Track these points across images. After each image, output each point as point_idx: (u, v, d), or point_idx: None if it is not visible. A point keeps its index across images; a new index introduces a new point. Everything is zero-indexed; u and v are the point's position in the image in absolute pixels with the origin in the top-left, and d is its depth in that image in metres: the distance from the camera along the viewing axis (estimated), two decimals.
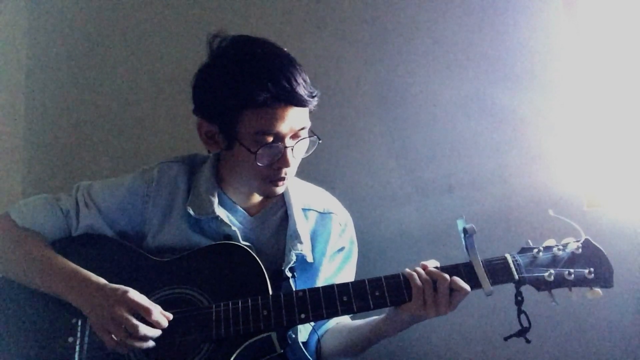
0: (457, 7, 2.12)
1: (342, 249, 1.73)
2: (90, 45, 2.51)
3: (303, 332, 1.62)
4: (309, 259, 1.64)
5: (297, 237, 1.63)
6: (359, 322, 1.64)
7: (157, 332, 1.44)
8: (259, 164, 1.51)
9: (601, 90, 1.94)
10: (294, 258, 1.61)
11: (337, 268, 1.72)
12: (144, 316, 1.43)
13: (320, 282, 1.66)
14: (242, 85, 1.47)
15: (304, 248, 1.63)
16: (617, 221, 1.88)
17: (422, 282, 1.44)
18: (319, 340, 1.67)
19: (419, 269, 1.47)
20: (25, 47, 2.55)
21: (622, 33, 1.93)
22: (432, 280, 1.43)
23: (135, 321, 1.41)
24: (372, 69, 2.19)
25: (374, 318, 1.58)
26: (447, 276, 1.43)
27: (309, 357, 1.60)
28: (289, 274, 1.59)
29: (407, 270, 1.47)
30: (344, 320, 1.70)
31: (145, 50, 2.45)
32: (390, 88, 2.17)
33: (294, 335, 1.57)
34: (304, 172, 1.68)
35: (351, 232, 1.77)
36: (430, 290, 1.43)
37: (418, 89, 2.14)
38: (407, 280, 1.46)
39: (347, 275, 1.74)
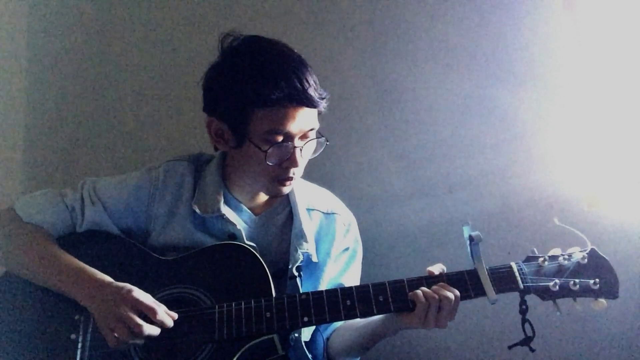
0: (457, 7, 2.11)
1: (346, 249, 1.74)
2: (91, 44, 2.50)
3: (306, 332, 1.63)
4: (314, 258, 1.65)
5: (303, 237, 1.64)
6: (364, 320, 1.63)
7: (158, 331, 1.44)
8: (268, 163, 1.52)
9: (601, 90, 1.94)
10: (300, 257, 1.61)
11: (342, 268, 1.73)
12: (149, 316, 1.43)
13: (325, 283, 1.67)
14: (255, 84, 1.48)
15: (310, 247, 1.64)
16: (617, 222, 1.88)
17: (429, 302, 1.43)
18: (327, 340, 1.68)
19: (425, 289, 1.46)
20: (25, 47, 2.55)
21: (622, 33, 1.93)
22: (439, 298, 1.43)
23: (139, 320, 1.41)
24: (372, 69, 2.19)
25: (375, 318, 1.58)
26: (451, 296, 1.43)
27: (309, 357, 1.60)
28: (296, 273, 1.60)
29: (419, 292, 1.45)
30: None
31: (147, 49, 2.45)
32: (390, 88, 2.17)
33: (297, 335, 1.58)
34: (304, 172, 1.68)
35: (355, 232, 1.78)
36: (433, 307, 1.43)
37: (418, 89, 2.14)
38: (411, 287, 1.47)
39: (353, 275, 1.75)
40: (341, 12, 2.23)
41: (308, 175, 1.75)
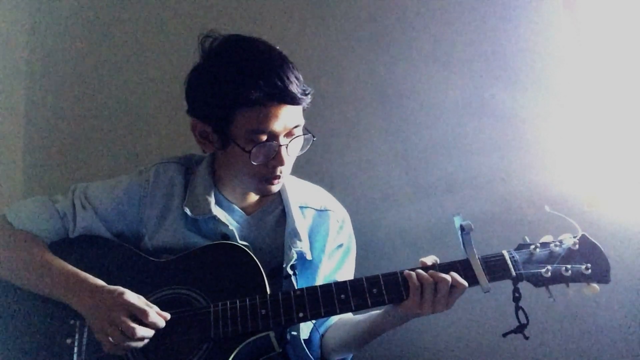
0: (457, 7, 2.12)
1: (340, 245, 1.73)
2: (89, 45, 2.51)
3: (304, 329, 1.62)
4: (308, 256, 1.64)
5: (296, 235, 1.63)
6: (359, 316, 1.64)
7: (152, 333, 1.44)
8: (253, 162, 1.51)
9: (601, 90, 1.94)
10: (294, 256, 1.61)
11: (337, 265, 1.72)
12: (141, 318, 1.42)
13: (320, 280, 1.66)
14: (235, 84, 1.48)
15: (303, 245, 1.63)
16: (617, 221, 1.88)
17: (421, 282, 1.43)
18: (322, 336, 1.68)
19: (420, 271, 1.46)
20: (25, 47, 2.55)
21: (622, 33, 1.93)
22: (434, 281, 1.43)
23: (131, 323, 1.41)
24: (372, 69, 2.19)
25: (373, 313, 1.58)
26: (448, 278, 1.43)
27: (309, 354, 1.60)
28: (290, 272, 1.59)
29: (407, 270, 1.47)
30: (346, 315, 1.69)
31: (143, 50, 2.45)
32: (390, 88, 2.17)
33: (294, 333, 1.58)
34: (303, 172, 1.69)
35: (349, 229, 1.77)
36: (430, 290, 1.43)
37: (418, 89, 2.14)
38: (404, 278, 1.46)
39: (347, 271, 1.75)
40: (341, 12, 2.23)
41: (307, 175, 1.75)
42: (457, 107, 2.10)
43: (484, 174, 2.06)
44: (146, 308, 1.43)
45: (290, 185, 1.71)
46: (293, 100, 1.49)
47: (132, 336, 1.40)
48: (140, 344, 1.43)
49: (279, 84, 1.47)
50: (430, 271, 1.45)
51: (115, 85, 2.47)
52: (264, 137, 1.50)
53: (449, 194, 2.09)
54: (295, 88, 1.49)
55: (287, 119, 1.51)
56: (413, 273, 1.46)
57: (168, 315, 1.47)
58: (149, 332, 1.43)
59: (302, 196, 1.72)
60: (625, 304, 1.83)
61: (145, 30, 2.46)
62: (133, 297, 1.44)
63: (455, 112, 2.10)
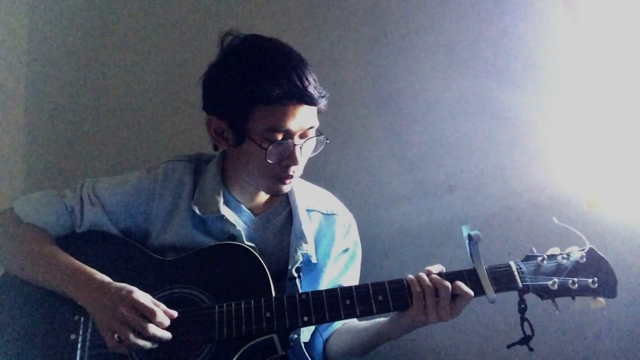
0: (457, 7, 2.12)
1: (346, 250, 1.74)
2: (91, 44, 2.50)
3: (305, 332, 1.62)
4: (314, 259, 1.65)
5: (302, 237, 1.64)
6: (365, 323, 1.64)
7: (166, 334, 1.44)
8: (268, 160, 1.52)
9: (601, 90, 1.94)
10: (300, 258, 1.61)
11: (342, 269, 1.73)
12: (148, 318, 1.42)
13: (325, 284, 1.66)
14: (256, 81, 1.49)
15: (309, 248, 1.64)
16: (617, 221, 1.88)
17: (422, 288, 1.44)
18: (326, 341, 1.68)
19: (423, 275, 1.46)
20: (25, 47, 2.55)
21: (622, 33, 1.93)
22: (435, 287, 1.43)
23: (142, 321, 1.41)
24: (372, 69, 2.19)
25: (379, 320, 1.58)
26: (448, 284, 1.43)
27: (309, 358, 1.61)
28: (295, 274, 1.60)
29: (410, 275, 1.47)
30: (351, 321, 1.69)
31: (146, 49, 2.45)
32: (390, 88, 2.17)
33: (296, 336, 1.58)
34: (304, 172, 1.68)
35: (355, 233, 1.78)
36: (431, 296, 1.43)
37: (418, 89, 2.14)
38: (410, 285, 1.46)
39: (352, 276, 1.75)
40: (341, 12, 2.23)
41: (308, 175, 1.75)
42: (457, 106, 2.10)
43: (484, 174, 2.06)
44: (154, 308, 1.44)
45: (298, 188, 1.72)
46: (311, 100, 1.51)
47: (145, 333, 1.41)
48: (148, 344, 1.43)
49: (299, 84, 1.48)
50: (431, 276, 1.46)
51: (117, 84, 2.47)
52: (280, 136, 1.51)
53: (449, 194, 2.09)
54: (313, 89, 1.51)
55: (304, 119, 1.52)
56: (415, 279, 1.46)
57: (175, 313, 1.47)
58: (161, 332, 1.43)
59: (309, 199, 1.72)
60: (626, 304, 1.83)
61: (149, 27, 2.45)
62: (141, 296, 1.44)
63: (455, 111, 2.10)
